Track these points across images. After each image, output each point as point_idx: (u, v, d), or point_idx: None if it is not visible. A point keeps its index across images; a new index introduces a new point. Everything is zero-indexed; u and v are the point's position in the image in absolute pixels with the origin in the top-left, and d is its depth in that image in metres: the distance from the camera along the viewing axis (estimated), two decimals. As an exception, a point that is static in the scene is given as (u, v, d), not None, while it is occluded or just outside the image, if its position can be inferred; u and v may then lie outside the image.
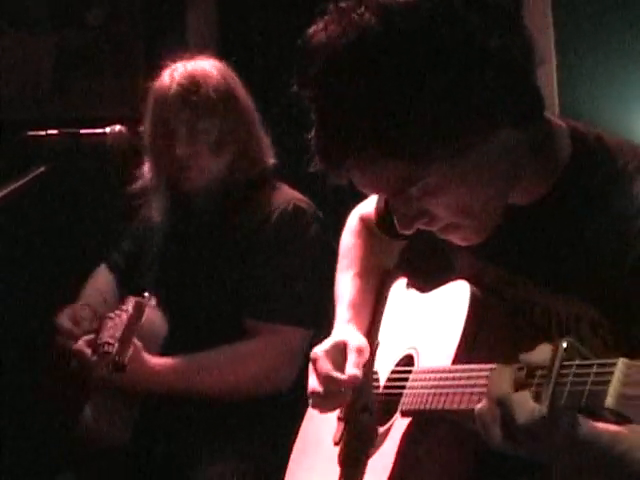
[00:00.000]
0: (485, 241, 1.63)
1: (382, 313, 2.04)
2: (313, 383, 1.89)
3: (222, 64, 2.66)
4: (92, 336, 2.54)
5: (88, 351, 2.51)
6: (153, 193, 2.69)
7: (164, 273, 2.70)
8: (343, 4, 1.46)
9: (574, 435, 1.34)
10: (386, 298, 2.06)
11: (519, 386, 1.34)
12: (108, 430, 2.57)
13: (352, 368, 1.86)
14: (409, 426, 1.70)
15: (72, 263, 3.76)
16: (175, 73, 2.58)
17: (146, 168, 2.69)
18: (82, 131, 2.55)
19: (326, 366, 1.88)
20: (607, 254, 1.51)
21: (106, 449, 2.57)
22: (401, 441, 1.70)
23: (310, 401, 1.91)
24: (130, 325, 2.45)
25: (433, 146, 1.43)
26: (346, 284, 2.11)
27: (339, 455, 1.90)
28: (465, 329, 1.67)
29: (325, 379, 1.87)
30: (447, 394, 1.60)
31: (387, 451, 1.74)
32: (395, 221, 1.58)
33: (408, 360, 1.83)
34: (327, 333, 2.02)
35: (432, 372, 1.70)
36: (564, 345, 1.28)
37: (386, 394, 1.85)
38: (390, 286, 2.07)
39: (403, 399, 1.74)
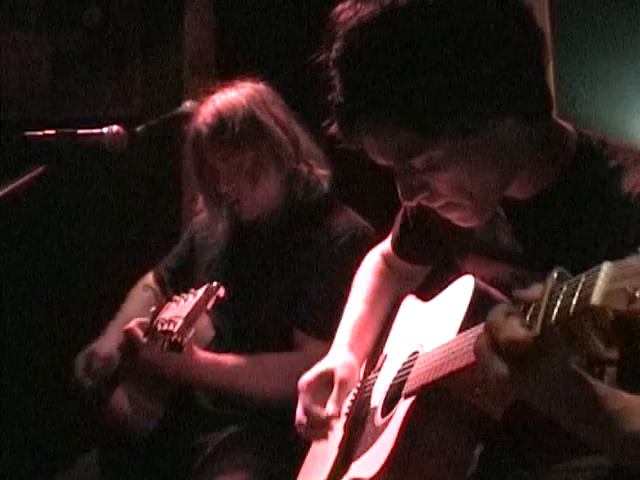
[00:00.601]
0: (492, 239, 1.70)
1: (390, 329, 2.08)
2: (299, 413, 1.98)
3: (253, 89, 2.68)
4: (146, 319, 2.55)
5: (140, 332, 2.52)
6: (212, 220, 2.77)
7: (222, 276, 2.70)
8: None
9: (567, 367, 1.36)
10: (395, 316, 2.10)
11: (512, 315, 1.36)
12: (132, 419, 2.59)
13: (332, 405, 1.95)
14: (412, 404, 1.73)
15: (68, 263, 3.79)
16: (205, 111, 2.63)
17: (201, 204, 2.77)
18: (79, 131, 2.55)
19: (307, 400, 1.97)
20: (607, 245, 1.54)
21: (128, 435, 2.60)
22: (404, 419, 1.72)
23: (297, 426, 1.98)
24: (197, 307, 2.43)
25: (439, 121, 1.51)
26: (352, 309, 2.17)
27: (344, 455, 1.94)
28: (466, 315, 1.70)
29: (307, 412, 1.96)
30: (447, 361, 1.63)
31: (389, 431, 1.76)
32: (399, 192, 1.63)
33: (415, 356, 1.85)
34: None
35: (431, 352, 1.73)
36: (555, 274, 1.31)
37: (393, 387, 1.88)
38: (399, 307, 2.11)
39: (407, 384, 1.78)
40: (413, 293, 2.13)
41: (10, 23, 3.97)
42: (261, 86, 2.70)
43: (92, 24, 3.96)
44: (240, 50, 3.86)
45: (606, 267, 1.21)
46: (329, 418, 1.94)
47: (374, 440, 1.82)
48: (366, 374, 2.07)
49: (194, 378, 2.56)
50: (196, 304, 2.44)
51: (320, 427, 1.96)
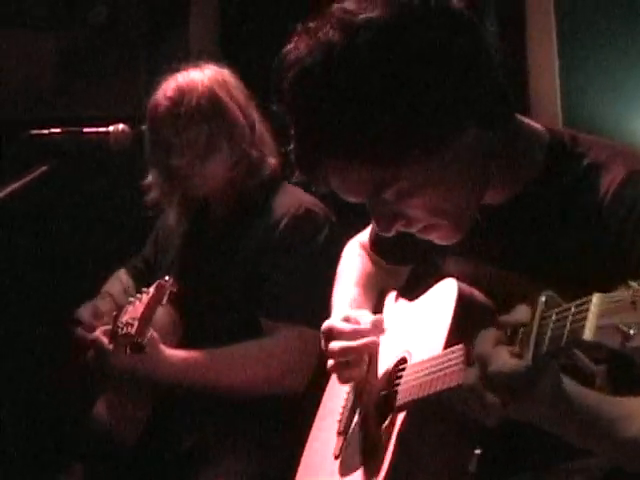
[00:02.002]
0: (471, 242, 1.68)
1: None
2: (335, 345, 1.88)
3: (216, 71, 2.68)
4: (109, 327, 2.57)
5: (105, 340, 2.53)
6: (165, 202, 2.74)
7: (181, 273, 2.72)
8: (311, 24, 1.54)
9: (559, 388, 1.37)
10: (380, 312, 2.07)
11: (501, 344, 1.37)
12: (117, 426, 2.58)
13: (371, 318, 1.90)
14: (405, 419, 1.71)
15: (74, 261, 3.79)
16: (167, 87, 2.63)
17: (152, 179, 2.73)
18: (85, 130, 2.56)
19: (348, 325, 1.90)
20: (582, 246, 1.54)
21: (114, 446, 2.58)
22: (397, 435, 1.71)
23: (333, 365, 1.90)
24: (150, 305, 2.45)
25: (401, 150, 1.49)
26: (343, 291, 2.13)
27: (339, 467, 1.91)
28: (453, 321, 1.68)
29: (352, 333, 1.87)
30: (436, 378, 1.62)
31: (384, 447, 1.75)
32: (373, 224, 1.61)
33: (403, 362, 1.84)
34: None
35: (421, 364, 1.72)
36: (543, 299, 1.32)
37: (383, 396, 1.87)
38: (383, 304, 2.09)
39: (398, 396, 1.76)
40: (395, 290, 2.10)
41: (15, 21, 3.97)
42: (224, 69, 2.70)
43: (98, 22, 3.96)
44: (245, 48, 3.86)
45: (596, 299, 1.21)
46: (377, 326, 1.88)
47: (370, 453, 1.81)
48: None
49: (167, 378, 2.53)
50: (149, 302, 2.46)
51: (360, 354, 1.88)
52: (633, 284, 1.18)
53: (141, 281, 2.90)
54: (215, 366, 2.56)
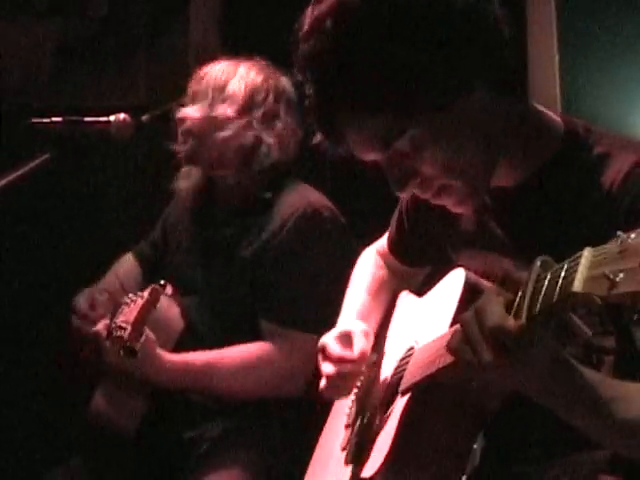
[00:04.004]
0: (483, 232, 1.71)
1: (387, 328, 2.08)
2: (326, 368, 1.95)
3: (274, 74, 2.69)
4: (108, 321, 2.55)
5: (104, 334, 2.52)
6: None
7: (186, 271, 2.71)
8: None
9: (559, 355, 1.39)
10: (391, 314, 2.10)
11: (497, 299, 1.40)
12: (116, 418, 2.57)
13: (360, 347, 1.94)
14: (408, 402, 1.73)
15: (74, 250, 3.79)
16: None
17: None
18: (86, 119, 2.56)
19: (337, 349, 1.95)
20: (592, 233, 1.56)
21: (113, 436, 2.58)
22: (400, 417, 1.72)
23: (324, 386, 1.96)
24: (143, 310, 2.44)
25: (411, 99, 1.54)
26: (353, 297, 2.17)
27: (346, 456, 1.93)
28: (459, 305, 1.71)
29: (338, 360, 1.94)
30: (439, 356, 1.63)
31: (387, 430, 1.77)
32: (391, 185, 1.65)
33: (410, 352, 1.86)
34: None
35: (425, 346, 1.74)
36: (538, 263, 1.34)
37: (390, 385, 1.88)
38: (394, 306, 2.12)
39: (402, 380, 1.78)
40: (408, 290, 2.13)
41: (15, 11, 3.97)
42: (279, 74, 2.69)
43: (98, 13, 3.96)
44: (246, 39, 3.86)
45: (587, 253, 1.23)
46: (361, 357, 1.94)
47: (374, 439, 1.82)
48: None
49: (164, 382, 2.52)
50: (142, 307, 2.45)
51: (348, 376, 1.95)
52: (621, 235, 1.21)
53: (148, 265, 2.91)
54: (210, 371, 2.54)
